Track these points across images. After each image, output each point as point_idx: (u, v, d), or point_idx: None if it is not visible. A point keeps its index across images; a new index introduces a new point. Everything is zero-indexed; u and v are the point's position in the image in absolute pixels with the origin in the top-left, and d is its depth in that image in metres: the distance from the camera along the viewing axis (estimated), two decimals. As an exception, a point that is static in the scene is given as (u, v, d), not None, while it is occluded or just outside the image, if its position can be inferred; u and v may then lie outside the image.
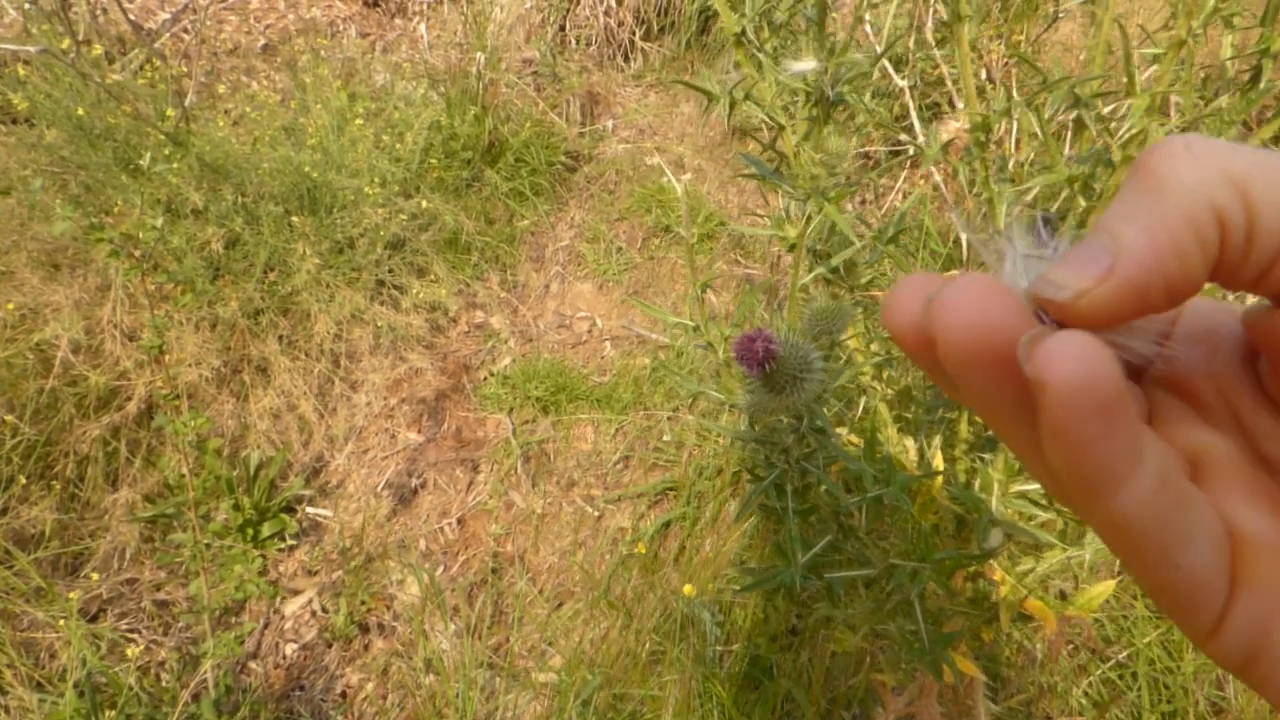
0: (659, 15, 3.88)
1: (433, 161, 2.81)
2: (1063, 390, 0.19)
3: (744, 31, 0.89)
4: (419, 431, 2.36)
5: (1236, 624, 0.22)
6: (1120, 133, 0.56)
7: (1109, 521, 0.21)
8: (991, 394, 0.21)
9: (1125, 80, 0.56)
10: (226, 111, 2.70)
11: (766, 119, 0.88)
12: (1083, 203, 0.63)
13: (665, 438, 2.31)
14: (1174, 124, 0.70)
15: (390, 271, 2.52)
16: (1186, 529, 0.21)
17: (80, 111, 2.22)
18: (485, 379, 2.51)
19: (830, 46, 0.62)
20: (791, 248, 0.66)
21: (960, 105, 1.87)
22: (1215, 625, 0.22)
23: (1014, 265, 0.23)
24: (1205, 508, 0.22)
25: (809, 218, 0.61)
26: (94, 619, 1.85)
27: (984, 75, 2.05)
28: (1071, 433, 0.19)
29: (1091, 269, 0.21)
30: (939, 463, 0.94)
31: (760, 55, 0.70)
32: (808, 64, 0.62)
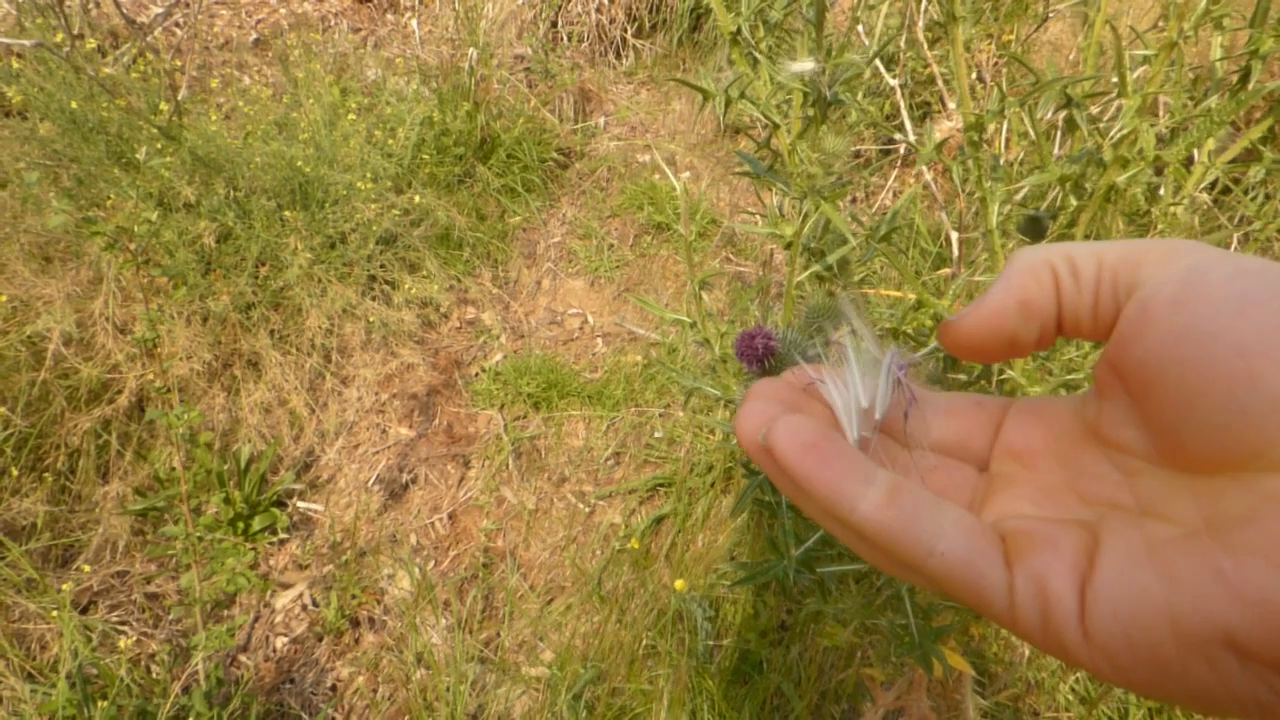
0: (651, 13, 3.89)
1: (425, 157, 2.81)
2: (779, 446, 0.27)
3: (739, 30, 0.89)
4: (410, 427, 2.36)
5: (1020, 594, 0.26)
6: (1111, 133, 0.58)
7: (861, 528, 0.27)
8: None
9: (1117, 81, 0.57)
10: (218, 106, 2.69)
11: (762, 117, 0.89)
12: (1074, 202, 0.64)
13: (657, 434, 2.32)
14: (1163, 124, 0.71)
15: (382, 267, 2.52)
16: (934, 525, 0.26)
17: (73, 105, 2.21)
18: (477, 375, 2.51)
19: (828, 47, 0.63)
20: (788, 246, 0.67)
21: (951, 104, 1.88)
22: (1009, 602, 0.26)
23: (854, 387, 0.33)
24: (953, 510, 0.27)
25: (805, 216, 0.62)
26: (85, 610, 1.85)
27: (974, 75, 2.07)
28: (796, 469, 0.27)
29: (971, 308, 0.31)
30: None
31: (757, 54, 0.71)
32: (806, 64, 0.63)
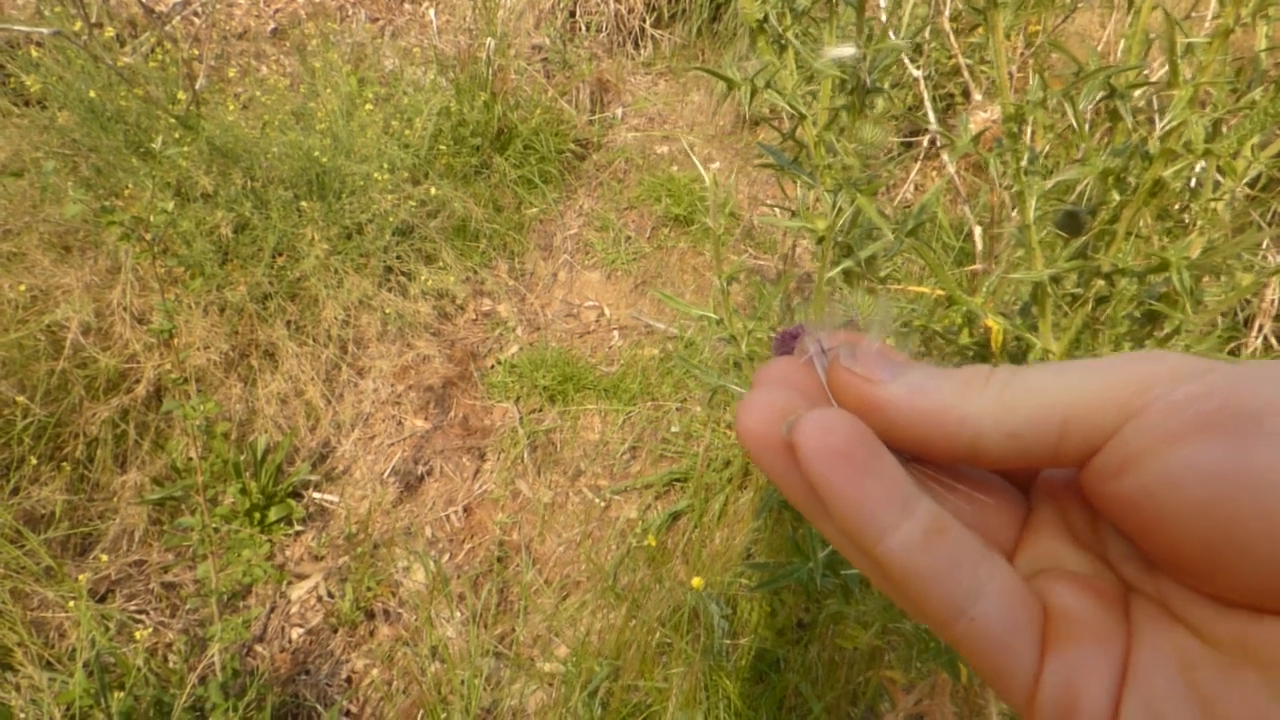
0: (669, 2, 3.85)
1: (442, 148, 2.80)
2: (806, 445, 0.23)
3: (766, 18, 0.87)
4: (426, 419, 2.36)
5: (1048, 689, 0.23)
6: (1160, 125, 0.55)
7: (887, 567, 0.23)
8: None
9: (1169, 70, 0.55)
10: (236, 95, 2.68)
11: (787, 107, 0.87)
12: (1116, 196, 0.62)
13: (673, 429, 2.31)
14: (1207, 117, 0.69)
15: (398, 258, 2.51)
16: (973, 583, 0.23)
17: (92, 94, 2.21)
18: (492, 367, 2.50)
19: (869, 32, 0.61)
20: (820, 240, 0.65)
21: (977, 95, 1.85)
22: (1030, 691, 0.23)
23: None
24: (999, 568, 0.24)
25: (839, 209, 0.59)
26: (103, 600, 1.86)
27: (1013, 66, 2.03)
28: (823, 477, 0.23)
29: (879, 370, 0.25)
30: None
31: (785, 42, 0.69)
32: (846, 49, 0.60)
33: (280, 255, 2.32)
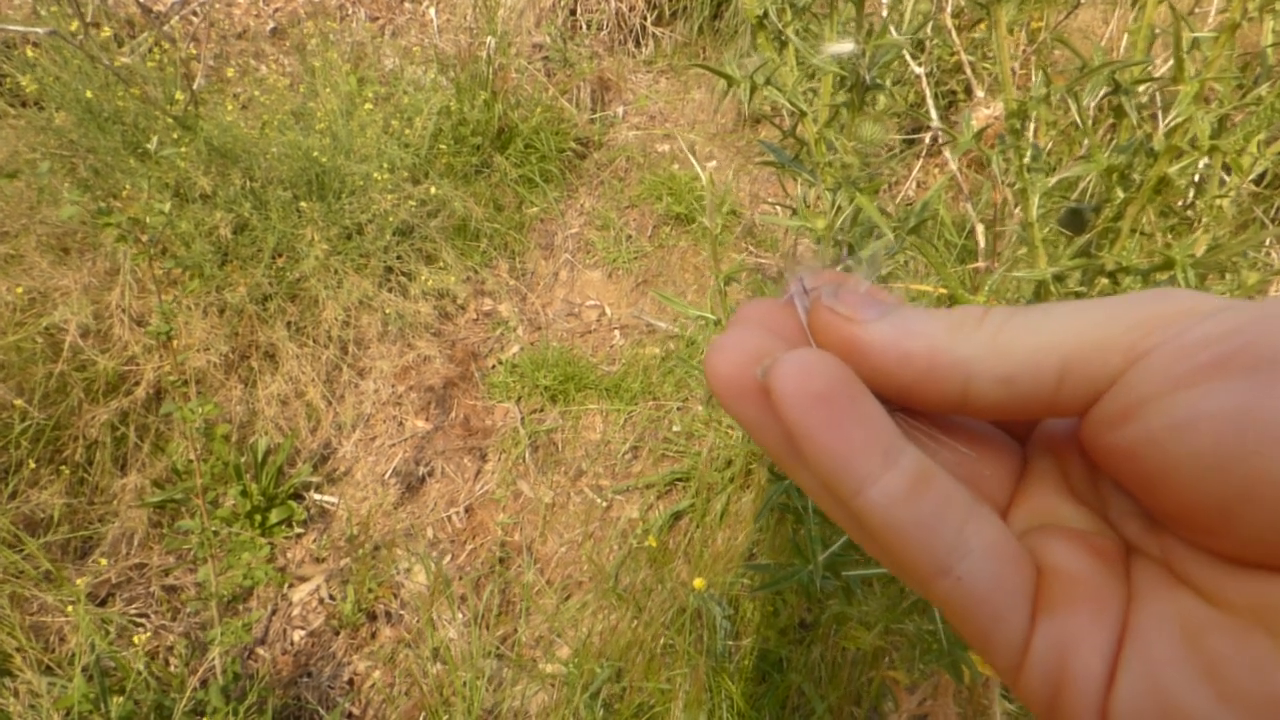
0: (670, 0, 3.84)
1: (442, 147, 2.79)
2: (782, 388, 0.21)
3: (766, 14, 0.86)
4: (427, 419, 2.35)
5: (1037, 654, 0.21)
6: (1166, 121, 0.54)
7: (866, 519, 0.21)
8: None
9: (1174, 65, 0.54)
10: (235, 95, 2.67)
11: (788, 104, 0.86)
12: (1120, 193, 0.61)
13: (675, 428, 2.30)
14: (1213, 112, 0.68)
15: (399, 258, 2.50)
16: (959, 539, 0.21)
17: (89, 94, 2.20)
18: (493, 367, 2.50)
19: (869, 28, 0.60)
20: (819, 239, 0.64)
21: (980, 92, 1.84)
22: (1019, 657, 0.22)
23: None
24: (989, 523, 0.22)
25: (838, 208, 0.59)
26: (103, 603, 1.85)
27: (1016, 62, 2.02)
28: (800, 423, 0.21)
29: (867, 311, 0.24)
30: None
31: (791, 37, 0.68)
32: (845, 46, 0.59)
33: (280, 256, 2.31)
